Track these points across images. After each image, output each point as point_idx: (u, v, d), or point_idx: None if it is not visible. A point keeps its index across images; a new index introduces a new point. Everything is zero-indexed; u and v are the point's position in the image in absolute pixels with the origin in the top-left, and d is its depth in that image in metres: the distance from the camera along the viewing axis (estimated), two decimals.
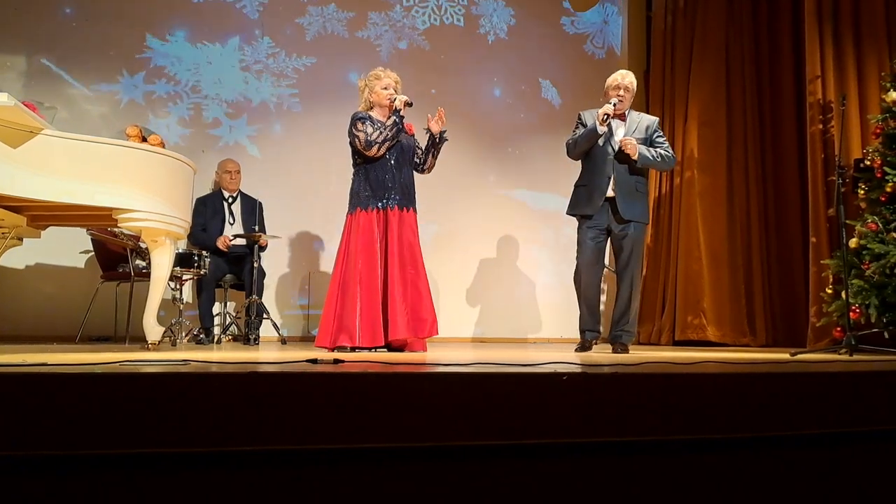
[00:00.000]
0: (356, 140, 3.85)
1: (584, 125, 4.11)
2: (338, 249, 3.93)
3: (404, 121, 3.91)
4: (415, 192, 4.02)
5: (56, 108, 4.93)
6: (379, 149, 3.82)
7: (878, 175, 4.36)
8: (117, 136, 3.92)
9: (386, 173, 3.86)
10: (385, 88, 3.94)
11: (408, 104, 3.89)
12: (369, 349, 3.67)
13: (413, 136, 4.07)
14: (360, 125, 3.85)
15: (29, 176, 2.92)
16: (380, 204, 3.83)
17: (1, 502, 1.28)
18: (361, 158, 3.90)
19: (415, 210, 3.97)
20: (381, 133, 3.81)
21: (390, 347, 3.74)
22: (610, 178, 4.00)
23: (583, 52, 6.96)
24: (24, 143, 2.91)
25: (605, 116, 3.98)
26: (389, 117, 3.88)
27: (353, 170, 4.00)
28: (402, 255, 3.80)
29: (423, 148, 4.07)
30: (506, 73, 6.69)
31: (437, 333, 3.89)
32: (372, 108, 3.99)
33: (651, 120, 4.24)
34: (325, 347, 3.71)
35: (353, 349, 3.63)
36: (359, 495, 1.43)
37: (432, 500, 1.47)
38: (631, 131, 4.10)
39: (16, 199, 3.01)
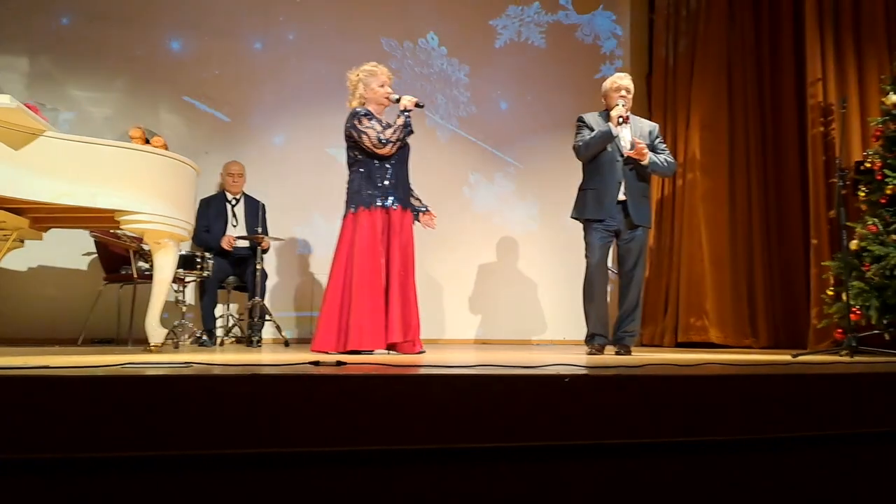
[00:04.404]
0: (364, 137, 3.75)
1: (589, 128, 4.10)
2: (337, 249, 3.80)
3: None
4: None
5: (58, 110, 4.94)
6: (392, 147, 3.77)
7: (879, 177, 4.36)
8: (121, 137, 3.94)
9: (388, 171, 3.80)
10: (381, 86, 3.88)
11: (419, 105, 3.85)
12: (371, 352, 3.59)
13: None
14: (365, 121, 3.77)
15: (31, 178, 2.93)
16: (383, 203, 3.76)
17: None
18: (363, 155, 3.81)
19: (411, 210, 3.94)
20: (395, 132, 3.75)
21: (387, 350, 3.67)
22: (621, 183, 3.99)
23: (586, 55, 6.98)
24: (26, 145, 2.92)
25: (621, 119, 3.97)
26: (399, 116, 3.81)
27: (349, 168, 3.90)
28: (401, 257, 3.75)
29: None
30: (509, 77, 6.71)
31: (420, 338, 3.82)
32: (364, 103, 3.90)
33: (652, 125, 4.25)
34: (328, 351, 3.56)
35: (358, 352, 3.54)
36: (362, 497, 1.43)
37: (436, 502, 1.47)
38: (636, 135, 4.10)
39: (18, 201, 3.02)
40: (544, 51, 6.82)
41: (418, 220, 4.08)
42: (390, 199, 3.78)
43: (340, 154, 5.71)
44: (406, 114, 3.81)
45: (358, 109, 3.84)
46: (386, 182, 3.79)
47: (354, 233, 3.74)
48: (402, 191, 3.86)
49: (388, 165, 3.81)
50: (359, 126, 3.77)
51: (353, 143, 3.83)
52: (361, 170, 3.82)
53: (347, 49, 6.22)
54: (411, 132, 3.83)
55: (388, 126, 3.79)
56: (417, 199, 4.11)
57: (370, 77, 3.89)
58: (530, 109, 6.72)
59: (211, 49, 5.90)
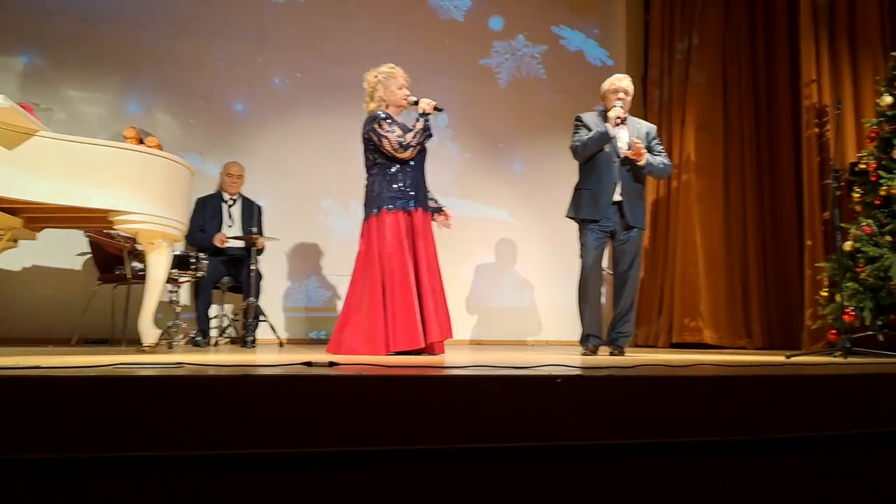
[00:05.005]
0: (384, 141, 3.71)
1: (587, 127, 4.09)
2: (364, 252, 3.74)
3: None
4: None
5: (52, 110, 4.91)
6: (413, 152, 3.75)
7: (873, 179, 4.38)
8: (115, 137, 3.92)
9: (408, 173, 3.78)
10: (400, 88, 3.86)
11: (437, 108, 3.83)
12: (415, 352, 3.53)
13: None
14: (386, 125, 3.73)
15: (25, 178, 2.92)
16: (404, 206, 3.74)
17: None
18: (382, 158, 3.78)
19: (429, 212, 3.94)
20: (415, 136, 3.73)
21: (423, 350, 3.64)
22: (617, 184, 3.98)
23: (582, 59, 7.00)
24: (19, 145, 2.91)
25: (618, 120, 3.97)
26: (419, 119, 3.78)
27: (367, 170, 3.86)
28: (427, 258, 3.73)
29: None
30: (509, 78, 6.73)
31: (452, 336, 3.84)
32: (382, 106, 3.86)
33: (650, 127, 4.25)
34: (377, 354, 3.49)
35: (406, 353, 3.50)
36: (355, 498, 1.43)
37: (430, 503, 1.47)
38: (633, 136, 4.09)
39: (11, 201, 3.01)
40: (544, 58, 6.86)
41: (434, 220, 4.05)
42: (411, 201, 3.77)
43: (337, 155, 5.74)
44: (425, 117, 3.79)
45: (378, 113, 3.80)
46: (408, 185, 3.77)
47: (379, 235, 3.70)
48: (422, 193, 3.84)
49: (407, 168, 3.79)
50: (379, 130, 3.73)
51: (373, 147, 3.80)
52: (380, 173, 3.79)
53: (344, 42, 6.23)
54: (431, 136, 3.81)
55: (408, 130, 3.77)
56: (433, 199, 4.09)
57: (389, 79, 3.86)
58: (529, 110, 6.74)
59: (210, 48, 5.88)
